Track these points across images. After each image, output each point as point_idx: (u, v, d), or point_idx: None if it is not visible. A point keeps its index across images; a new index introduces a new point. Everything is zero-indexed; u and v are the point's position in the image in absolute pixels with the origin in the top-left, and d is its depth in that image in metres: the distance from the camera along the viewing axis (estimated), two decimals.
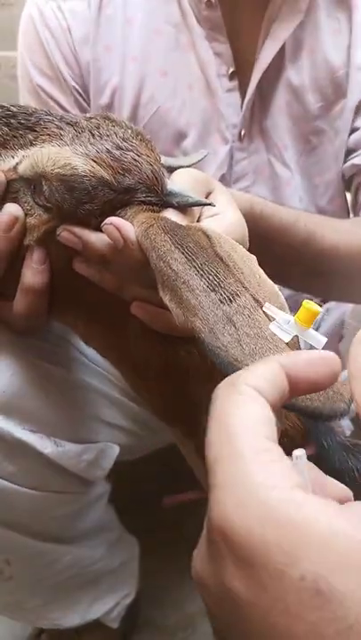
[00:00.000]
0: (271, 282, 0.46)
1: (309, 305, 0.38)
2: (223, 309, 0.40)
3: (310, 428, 0.54)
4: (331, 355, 0.31)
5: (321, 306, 0.94)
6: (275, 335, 0.39)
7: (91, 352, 0.70)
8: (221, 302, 0.40)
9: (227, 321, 0.39)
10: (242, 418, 0.28)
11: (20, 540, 0.66)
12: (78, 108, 0.83)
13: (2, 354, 0.55)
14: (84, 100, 0.82)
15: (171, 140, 0.83)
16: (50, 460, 0.61)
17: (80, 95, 0.82)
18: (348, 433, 0.94)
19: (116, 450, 0.73)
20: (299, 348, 0.45)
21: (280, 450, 0.28)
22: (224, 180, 0.84)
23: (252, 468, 0.26)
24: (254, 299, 0.41)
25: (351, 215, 0.91)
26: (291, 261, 0.72)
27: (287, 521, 0.24)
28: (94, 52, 0.79)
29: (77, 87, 0.81)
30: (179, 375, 0.54)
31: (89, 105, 0.83)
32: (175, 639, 1.02)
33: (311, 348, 0.38)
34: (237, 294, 0.41)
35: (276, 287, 0.45)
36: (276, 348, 0.38)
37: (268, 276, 0.48)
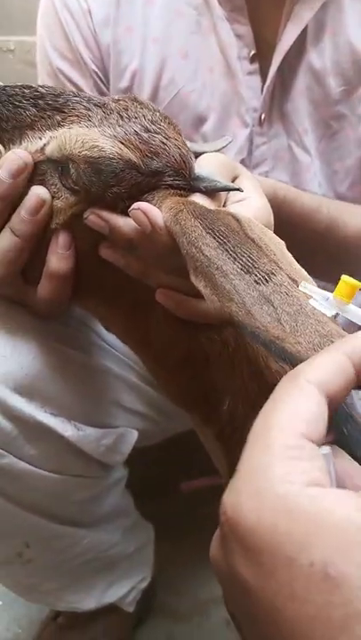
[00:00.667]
0: (300, 266, 0.45)
1: (348, 279, 0.37)
2: (259, 290, 0.39)
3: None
4: None
5: None
6: (316, 310, 0.38)
7: (111, 337, 0.70)
8: (257, 283, 0.39)
9: (264, 301, 0.38)
10: (285, 412, 0.28)
11: (39, 522, 0.66)
12: (97, 91, 0.82)
13: (24, 338, 0.55)
14: (103, 83, 0.82)
15: (190, 123, 0.82)
16: (70, 444, 0.61)
17: (99, 78, 0.81)
18: None
19: (134, 435, 0.73)
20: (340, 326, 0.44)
21: (314, 450, 0.27)
22: (243, 165, 0.83)
23: (277, 462, 0.26)
24: (290, 277, 0.41)
25: None
26: (314, 248, 0.71)
27: (301, 512, 0.25)
28: (115, 34, 0.78)
29: (97, 70, 0.81)
30: (199, 361, 0.54)
31: (108, 89, 0.82)
32: (189, 624, 1.03)
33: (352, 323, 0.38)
34: (273, 273, 0.40)
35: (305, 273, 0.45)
36: (318, 323, 0.37)
37: None
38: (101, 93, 0.82)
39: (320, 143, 0.85)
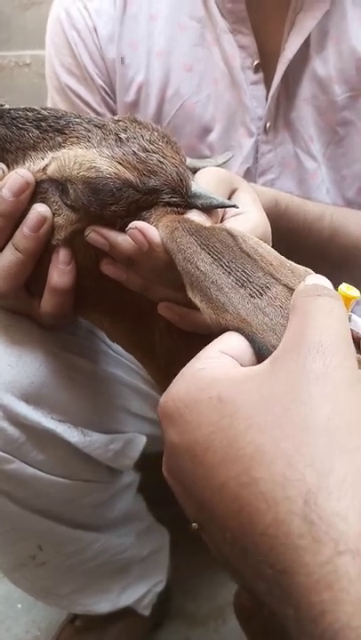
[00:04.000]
0: (303, 267, 0.45)
1: (344, 290, 0.38)
2: (254, 303, 0.40)
3: None
4: None
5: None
6: None
7: (118, 346, 0.71)
8: (252, 296, 0.40)
9: (259, 312, 0.40)
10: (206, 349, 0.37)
11: (50, 526, 0.68)
12: (105, 106, 0.84)
13: (29, 347, 0.57)
14: (110, 98, 0.84)
15: (196, 134, 0.83)
16: (77, 450, 0.63)
17: (107, 93, 0.83)
18: None
19: (142, 440, 0.74)
20: None
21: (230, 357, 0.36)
22: (249, 173, 0.84)
23: (196, 360, 0.36)
24: (288, 287, 0.41)
25: None
26: (318, 255, 0.71)
27: (200, 372, 0.34)
28: (120, 50, 0.80)
29: (104, 85, 0.83)
30: None
31: (115, 103, 0.84)
32: (206, 629, 1.04)
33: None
34: (268, 287, 0.41)
35: (310, 270, 0.44)
36: None
37: None
38: (109, 108, 0.84)
39: (327, 149, 0.86)
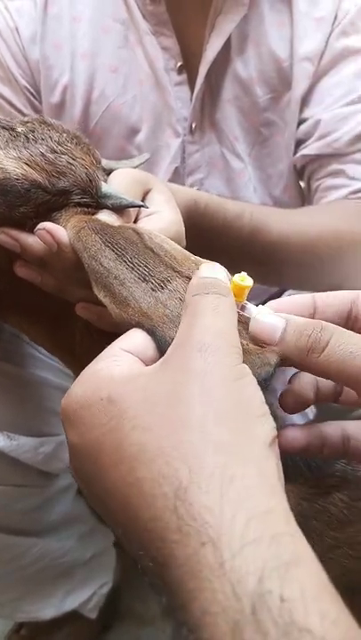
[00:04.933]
0: (207, 260, 0.46)
1: (238, 281, 0.39)
2: (155, 296, 0.41)
3: None
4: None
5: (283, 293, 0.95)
6: None
7: None
8: (153, 290, 0.41)
9: (161, 305, 0.40)
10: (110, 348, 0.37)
11: None
12: (31, 107, 0.83)
13: None
14: (35, 99, 0.83)
15: (123, 135, 0.84)
16: (4, 454, 0.62)
17: (32, 94, 0.83)
18: (311, 417, 0.96)
19: None
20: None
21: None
22: (178, 173, 0.86)
23: (98, 359, 0.35)
24: (190, 278, 0.41)
25: (306, 204, 0.92)
26: (240, 253, 0.72)
27: (95, 373, 0.34)
28: (43, 51, 0.80)
29: (28, 86, 0.82)
30: None
31: (41, 104, 0.84)
32: (156, 628, 1.04)
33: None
34: (168, 280, 0.42)
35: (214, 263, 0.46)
36: None
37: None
38: (35, 109, 0.83)
39: (252, 150, 0.88)
